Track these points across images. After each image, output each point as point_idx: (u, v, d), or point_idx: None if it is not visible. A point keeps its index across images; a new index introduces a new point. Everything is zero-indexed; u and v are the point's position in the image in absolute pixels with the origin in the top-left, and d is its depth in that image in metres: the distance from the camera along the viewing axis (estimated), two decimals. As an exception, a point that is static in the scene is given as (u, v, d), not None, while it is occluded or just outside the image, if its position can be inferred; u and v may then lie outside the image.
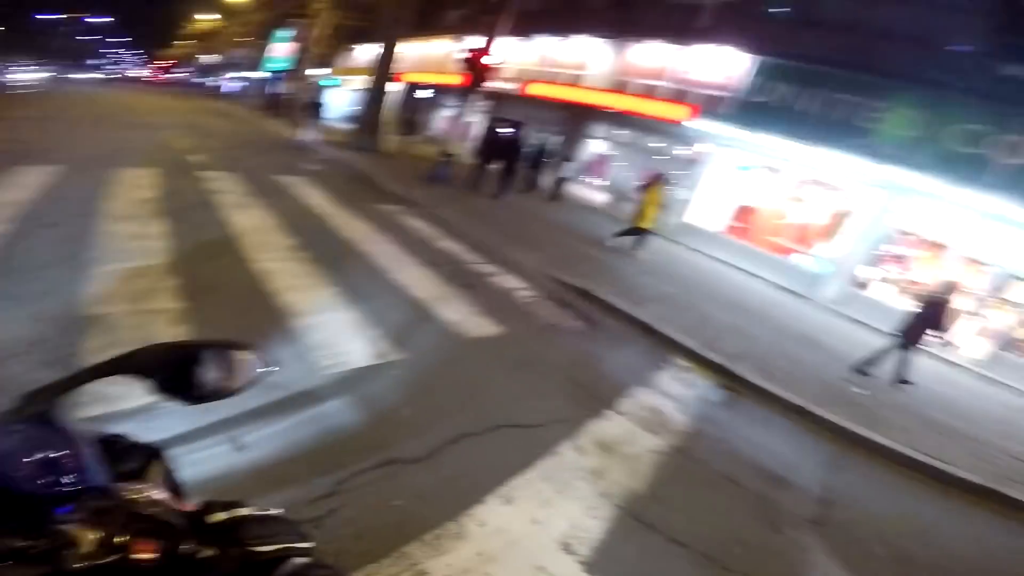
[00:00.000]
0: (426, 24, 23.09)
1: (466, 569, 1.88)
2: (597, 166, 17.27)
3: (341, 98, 27.63)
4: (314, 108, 16.90)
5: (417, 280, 4.59)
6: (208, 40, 39.42)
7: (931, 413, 5.17)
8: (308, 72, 21.62)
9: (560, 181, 14.42)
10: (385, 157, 13.00)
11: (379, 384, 2.90)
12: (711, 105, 13.89)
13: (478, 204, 9.55)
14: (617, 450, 2.91)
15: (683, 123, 13.62)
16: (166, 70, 71.26)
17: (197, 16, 33.40)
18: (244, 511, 0.62)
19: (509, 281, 5.34)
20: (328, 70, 29.14)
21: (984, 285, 10.91)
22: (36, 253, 3.47)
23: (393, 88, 21.88)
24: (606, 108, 15.97)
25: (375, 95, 13.64)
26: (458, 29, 22.08)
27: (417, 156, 15.60)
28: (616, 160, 16.76)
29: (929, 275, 11.29)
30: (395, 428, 2.56)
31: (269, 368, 0.82)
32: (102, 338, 2.62)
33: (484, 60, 10.24)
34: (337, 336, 3.25)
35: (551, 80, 18.26)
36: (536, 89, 17.96)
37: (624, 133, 16.41)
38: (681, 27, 15.09)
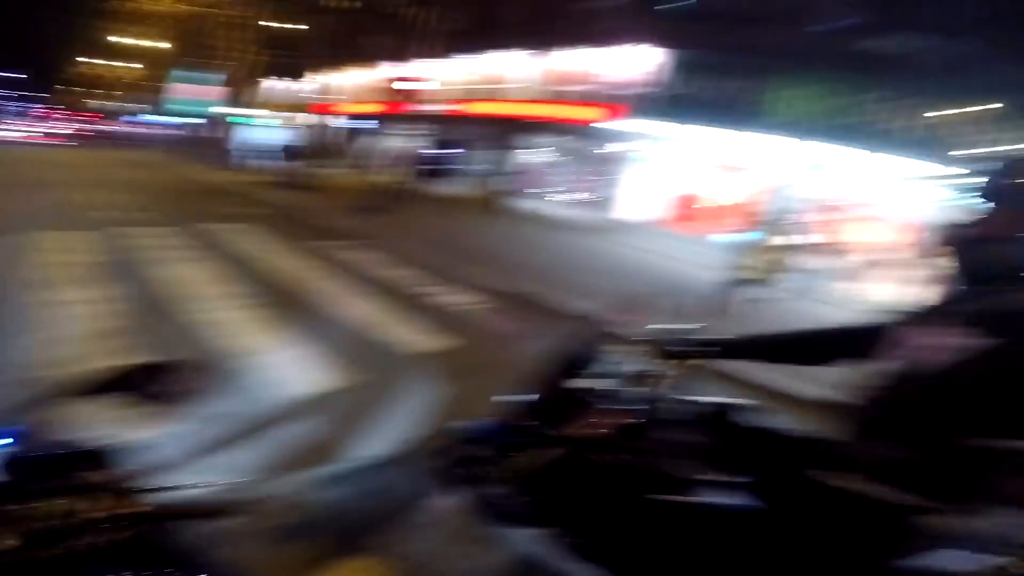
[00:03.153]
0: (349, 54, 23.06)
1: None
2: (532, 176, 17.69)
3: (269, 135, 27.27)
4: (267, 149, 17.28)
5: (367, 310, 4.67)
6: (111, 85, 38.64)
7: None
8: (239, 112, 21.14)
9: (501, 195, 14.74)
10: (322, 192, 12.90)
11: (337, 406, 3.01)
12: (633, 102, 14.57)
13: (417, 226, 9.66)
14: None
15: (610, 123, 14.21)
16: (70, 118, 66.35)
17: (112, 63, 32.63)
18: None
19: (460, 298, 5.48)
20: (251, 109, 28.59)
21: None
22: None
23: (322, 120, 21.68)
24: (540, 119, 16.42)
25: (317, 129, 13.48)
26: (382, 56, 22.21)
27: (354, 187, 15.55)
28: (556, 168, 17.24)
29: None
30: (358, 441, 2.69)
31: (209, 379, 1.07)
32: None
33: (409, 86, 10.42)
34: (296, 369, 3.37)
35: (482, 97, 18.58)
36: (467, 107, 18.21)
37: (558, 140, 16.91)
38: (596, 30, 15.76)
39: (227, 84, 19.43)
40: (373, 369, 3.53)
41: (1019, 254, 1.12)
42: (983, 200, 1.21)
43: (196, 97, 23.85)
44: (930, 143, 11.35)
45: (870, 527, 1.21)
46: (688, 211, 14.40)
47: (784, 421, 1.47)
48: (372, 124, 21.98)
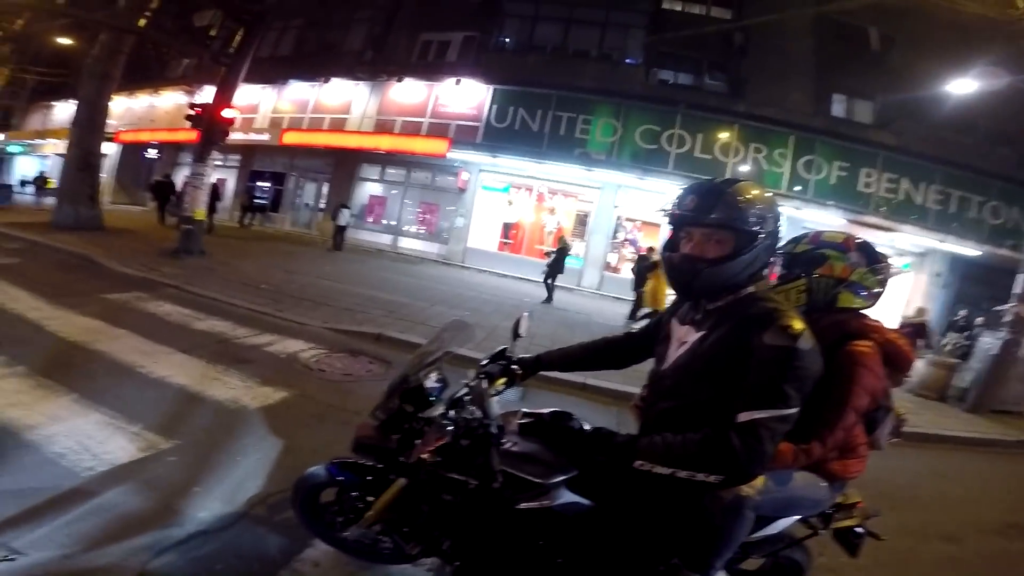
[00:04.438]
0: (149, 76, 20.16)
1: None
2: (374, 208, 17.38)
3: (36, 167, 22.43)
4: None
5: (177, 368, 4.08)
6: None
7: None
8: None
9: (340, 229, 14.13)
10: (111, 233, 10.90)
11: (156, 472, 2.64)
12: (465, 135, 15.32)
13: (238, 268, 8.80)
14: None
15: (445, 155, 14.69)
16: None
17: None
18: None
19: (292, 345, 5.11)
20: (12, 136, 23.22)
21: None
22: None
23: (110, 150, 18.45)
24: (374, 149, 16.24)
25: (82, 160, 11.16)
26: (190, 80, 19.88)
27: (154, 226, 13.55)
28: (395, 199, 17.13)
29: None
30: (191, 505, 2.40)
31: None
32: None
33: (223, 113, 9.48)
34: (89, 439, 2.82)
35: (313, 127, 17.75)
36: (294, 137, 17.22)
37: (395, 172, 16.91)
38: (433, 64, 16.30)
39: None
40: (198, 430, 3.15)
41: (708, 276, 1.37)
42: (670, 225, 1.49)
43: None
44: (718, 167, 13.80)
45: (681, 508, 1.42)
46: (522, 237, 15.51)
47: (597, 419, 1.70)
48: (185, 156, 19.48)
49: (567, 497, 1.51)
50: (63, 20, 13.84)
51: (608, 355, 1.89)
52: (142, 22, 11.17)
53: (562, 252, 10.53)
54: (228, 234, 13.73)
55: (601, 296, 13.25)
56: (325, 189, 17.86)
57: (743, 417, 1.21)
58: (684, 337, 1.49)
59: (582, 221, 14.94)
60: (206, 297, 6.55)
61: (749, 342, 1.27)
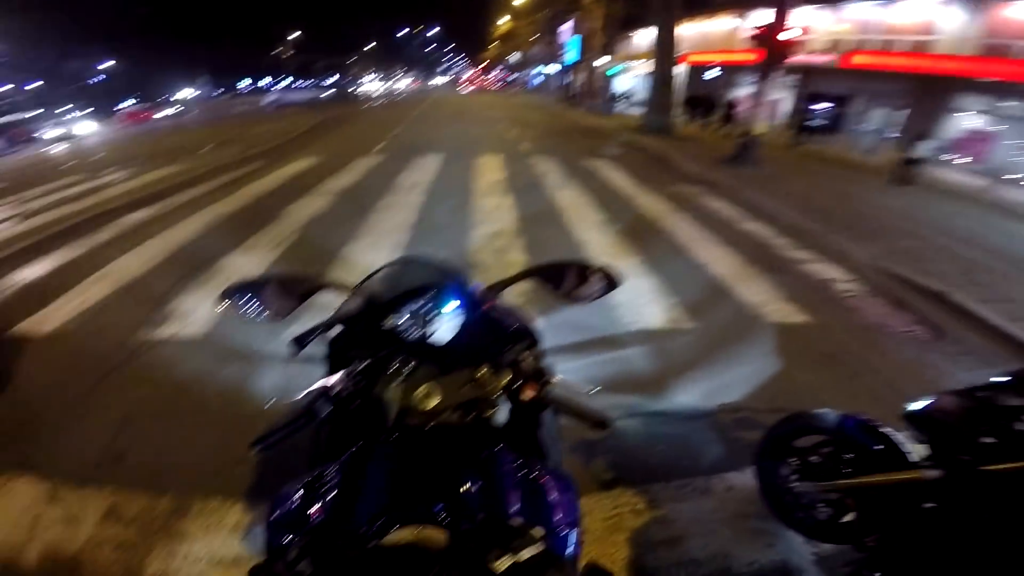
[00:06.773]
0: (705, 2, 21.66)
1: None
2: (971, 145, 13.43)
3: (626, 84, 28.42)
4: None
5: (717, 259, 4.53)
6: (509, 41, 48.09)
7: None
8: (594, 63, 22.70)
9: (910, 162, 11.69)
10: (679, 139, 12.92)
11: (671, 345, 3.09)
12: None
13: (788, 184, 8.56)
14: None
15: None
16: (484, 71, 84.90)
17: (499, 21, 41.51)
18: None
19: (827, 271, 4.66)
20: (608, 58, 30.11)
21: None
22: (440, 218, 5.40)
23: (678, 70, 21.50)
24: (977, 76, 12.38)
25: (661, 79, 13.78)
26: (742, 4, 20.04)
27: (712, 137, 14.94)
28: (1004, 138, 12.72)
29: None
30: (680, 384, 2.72)
31: (613, 286, 1.18)
32: (480, 276, 3.62)
33: (780, 35, 9.03)
34: (637, 299, 3.60)
35: (881, 49, 15.29)
36: (864, 59, 15.37)
37: (1011, 105, 12.44)
38: None
39: (590, 36, 21.07)
40: (716, 321, 3.44)
41: None
42: None
43: (575, 49, 27.01)
44: None
45: None
46: None
47: None
48: (741, 76, 20.33)
49: None
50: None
51: None
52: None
53: None
54: (779, 150, 13.74)
55: None
56: (899, 117, 15.02)
57: None
58: None
59: None
60: (753, 203, 6.81)
61: None
